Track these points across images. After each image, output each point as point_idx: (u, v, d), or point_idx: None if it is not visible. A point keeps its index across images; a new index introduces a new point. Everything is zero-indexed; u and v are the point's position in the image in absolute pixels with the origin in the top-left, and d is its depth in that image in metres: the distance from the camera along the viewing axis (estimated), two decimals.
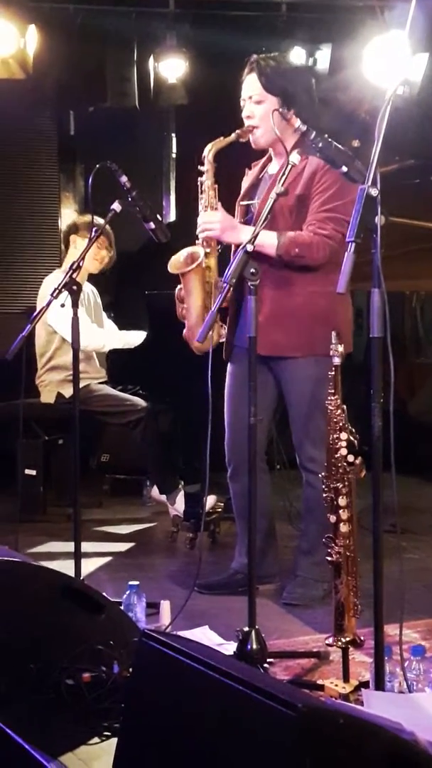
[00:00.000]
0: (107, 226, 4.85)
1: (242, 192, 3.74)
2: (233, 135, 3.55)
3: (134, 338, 5.04)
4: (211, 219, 3.50)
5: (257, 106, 3.53)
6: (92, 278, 5.16)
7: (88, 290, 5.15)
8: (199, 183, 3.58)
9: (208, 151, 3.55)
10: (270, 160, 3.69)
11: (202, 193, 3.57)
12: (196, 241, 3.60)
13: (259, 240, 3.25)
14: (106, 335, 5.01)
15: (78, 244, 4.95)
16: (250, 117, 3.55)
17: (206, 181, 3.56)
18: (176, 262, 3.59)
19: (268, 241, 3.40)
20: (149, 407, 4.86)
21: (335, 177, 3.19)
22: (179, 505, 4.79)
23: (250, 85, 3.55)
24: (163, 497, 4.95)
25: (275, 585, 3.75)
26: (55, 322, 4.84)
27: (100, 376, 5.03)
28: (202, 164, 3.57)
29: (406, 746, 1.83)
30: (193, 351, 3.58)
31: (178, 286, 3.65)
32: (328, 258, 3.41)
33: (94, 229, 3.68)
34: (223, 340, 3.65)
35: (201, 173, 3.57)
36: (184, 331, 3.66)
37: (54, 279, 4.86)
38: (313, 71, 5.60)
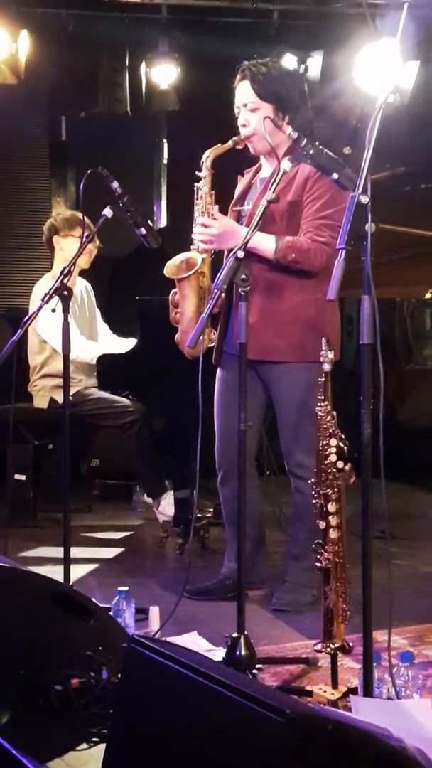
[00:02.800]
0: (78, 217, 4.91)
1: (235, 197, 3.74)
2: (230, 142, 3.56)
3: (122, 346, 5.05)
4: (209, 232, 3.50)
5: (252, 114, 3.53)
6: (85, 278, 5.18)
7: (82, 287, 5.15)
8: (195, 189, 3.58)
9: (206, 158, 3.56)
10: (261, 166, 3.70)
11: (198, 199, 3.58)
12: (191, 247, 3.60)
13: (257, 242, 3.27)
14: (95, 347, 5.00)
15: (62, 244, 4.97)
16: (245, 125, 3.56)
17: (203, 187, 3.57)
18: (172, 267, 3.60)
19: (266, 245, 3.41)
20: (143, 409, 4.86)
21: (329, 184, 3.19)
22: (165, 509, 4.78)
23: (243, 92, 3.55)
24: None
25: (264, 591, 3.75)
26: (44, 332, 4.85)
27: (91, 383, 5.03)
28: (200, 170, 3.57)
29: (394, 753, 1.83)
30: (184, 356, 3.58)
31: (173, 291, 3.65)
32: (325, 265, 3.41)
33: (85, 235, 3.69)
34: (213, 344, 3.66)
35: (198, 179, 3.58)
36: (177, 335, 3.66)
37: (44, 284, 4.86)
38: (304, 77, 5.62)
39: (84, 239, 3.67)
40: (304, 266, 3.45)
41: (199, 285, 3.59)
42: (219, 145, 3.57)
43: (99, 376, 5.01)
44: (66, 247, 4.96)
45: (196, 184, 3.58)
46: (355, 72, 5.41)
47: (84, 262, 5.00)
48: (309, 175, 3.46)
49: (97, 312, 5.25)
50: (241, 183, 3.77)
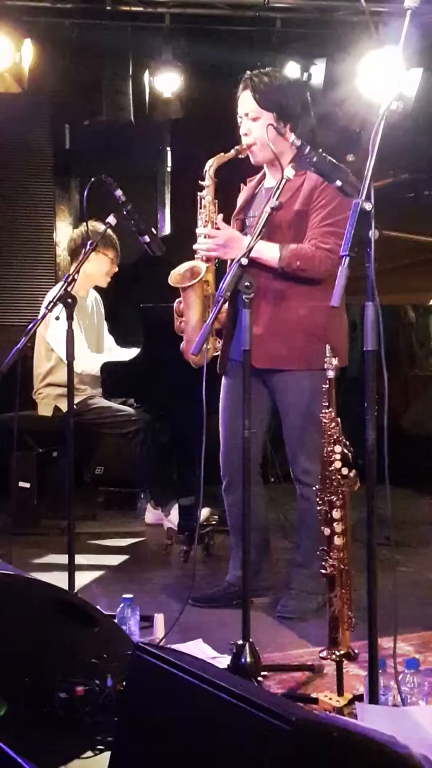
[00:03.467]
0: (114, 239, 4.93)
1: (238, 207, 3.75)
2: (233, 151, 3.57)
3: (125, 355, 5.07)
4: (214, 242, 3.51)
5: (254, 123, 3.54)
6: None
7: (92, 299, 5.18)
8: (198, 198, 3.59)
9: (209, 167, 3.57)
10: (265, 175, 3.70)
11: (201, 208, 3.59)
12: (195, 255, 3.61)
13: (261, 251, 3.27)
14: (99, 358, 5.02)
15: (92, 258, 4.98)
16: (246, 134, 3.57)
17: (206, 196, 3.58)
18: (177, 276, 3.60)
19: (271, 254, 3.41)
20: (147, 418, 4.87)
21: (335, 192, 3.19)
22: (174, 517, 4.79)
23: (245, 102, 3.57)
24: (158, 514, 4.96)
25: (269, 598, 3.75)
26: (53, 341, 4.86)
27: (96, 392, 5.04)
28: (203, 179, 3.58)
29: (399, 760, 1.83)
30: (188, 364, 3.58)
31: (177, 300, 3.66)
32: (330, 272, 3.41)
33: (89, 243, 3.70)
34: (218, 353, 3.66)
35: (201, 188, 3.59)
36: (182, 344, 3.66)
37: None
38: (307, 86, 5.63)
39: (88, 246, 3.68)
40: (309, 274, 3.45)
41: (204, 294, 3.60)
42: (222, 154, 3.58)
43: (103, 384, 5.02)
44: (94, 262, 4.99)
45: (199, 193, 3.59)
46: (358, 79, 5.42)
47: (103, 281, 5.08)
48: (316, 185, 3.46)
49: (105, 324, 5.28)
50: (244, 192, 3.78)
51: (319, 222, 3.47)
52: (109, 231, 4.94)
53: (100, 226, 4.78)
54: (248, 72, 3.59)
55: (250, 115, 3.55)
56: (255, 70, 3.60)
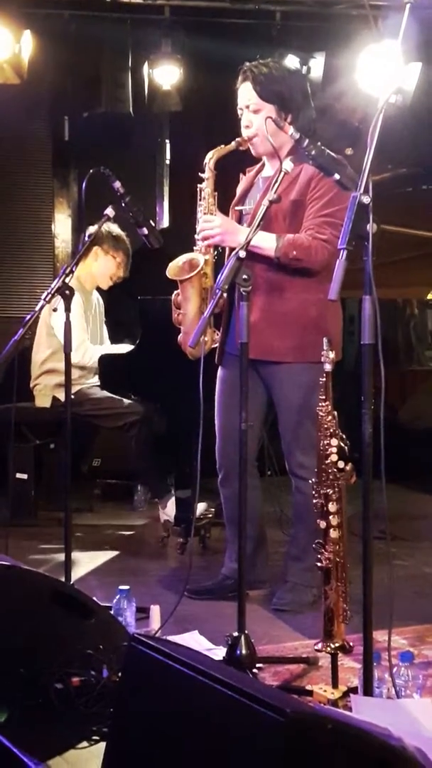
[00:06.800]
0: (127, 243, 4.95)
1: (236, 197, 3.75)
2: (233, 143, 3.57)
3: (119, 350, 5.08)
4: (211, 225, 3.51)
5: (255, 116, 3.53)
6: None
7: (95, 299, 5.20)
8: (198, 190, 3.58)
9: (209, 159, 3.56)
10: (264, 165, 3.70)
11: (201, 200, 3.58)
12: (194, 248, 3.61)
13: (257, 242, 3.27)
14: (97, 350, 5.02)
15: (100, 259, 5.01)
16: (248, 126, 3.56)
17: (206, 188, 3.57)
18: (175, 268, 3.60)
19: (267, 244, 3.41)
20: (144, 410, 4.87)
21: (332, 183, 3.18)
22: (170, 509, 4.79)
23: (245, 94, 3.56)
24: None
25: (265, 590, 3.76)
26: (56, 326, 4.85)
27: (94, 382, 5.04)
28: (202, 172, 3.58)
29: (394, 752, 1.83)
30: (186, 356, 3.59)
31: (175, 292, 3.66)
32: (326, 262, 3.41)
33: (87, 236, 3.69)
34: (216, 345, 3.66)
35: (201, 180, 3.58)
36: (180, 336, 3.66)
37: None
38: (306, 76, 5.62)
39: (87, 239, 3.67)
40: (305, 264, 3.45)
41: (202, 286, 3.60)
42: (222, 146, 3.57)
43: (101, 377, 5.02)
44: (101, 262, 5.01)
45: (199, 185, 3.58)
46: (357, 73, 5.42)
47: (105, 283, 5.13)
48: (313, 175, 3.46)
49: (105, 328, 5.30)
50: (243, 182, 3.77)
51: (316, 212, 3.46)
52: (122, 234, 4.97)
53: (113, 228, 4.81)
54: (247, 63, 3.58)
55: (251, 107, 3.54)
56: (254, 61, 3.59)
